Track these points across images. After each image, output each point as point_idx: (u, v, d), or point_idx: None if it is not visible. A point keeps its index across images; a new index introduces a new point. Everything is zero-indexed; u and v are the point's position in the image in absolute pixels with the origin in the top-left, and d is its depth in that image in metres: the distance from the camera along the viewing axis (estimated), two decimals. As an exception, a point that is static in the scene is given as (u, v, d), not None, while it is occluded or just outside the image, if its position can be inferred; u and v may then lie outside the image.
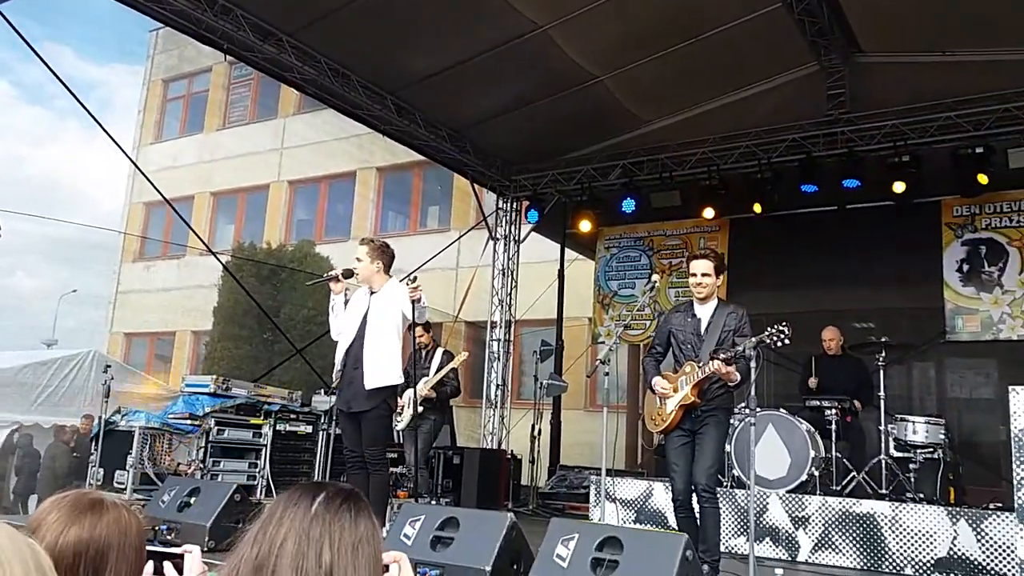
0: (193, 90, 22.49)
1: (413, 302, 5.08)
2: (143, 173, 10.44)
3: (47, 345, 17.47)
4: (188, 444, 7.43)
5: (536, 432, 9.77)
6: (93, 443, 7.29)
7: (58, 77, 7.42)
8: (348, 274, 5.41)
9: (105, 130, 8.05)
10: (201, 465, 7.24)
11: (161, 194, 9.73)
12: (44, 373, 9.68)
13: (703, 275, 4.86)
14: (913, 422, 6.85)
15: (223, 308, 16.76)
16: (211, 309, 17.20)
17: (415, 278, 5.21)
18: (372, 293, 5.41)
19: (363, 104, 8.99)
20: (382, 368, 5.21)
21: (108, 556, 1.49)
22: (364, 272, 5.39)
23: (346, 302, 5.46)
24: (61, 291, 24.70)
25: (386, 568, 1.56)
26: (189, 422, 7.47)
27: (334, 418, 7.73)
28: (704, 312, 4.91)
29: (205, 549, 4.78)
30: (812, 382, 7.66)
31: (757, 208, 9.12)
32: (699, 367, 4.69)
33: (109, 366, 7.43)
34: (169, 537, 4.91)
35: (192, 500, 5.21)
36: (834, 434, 6.90)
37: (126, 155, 9.64)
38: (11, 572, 0.74)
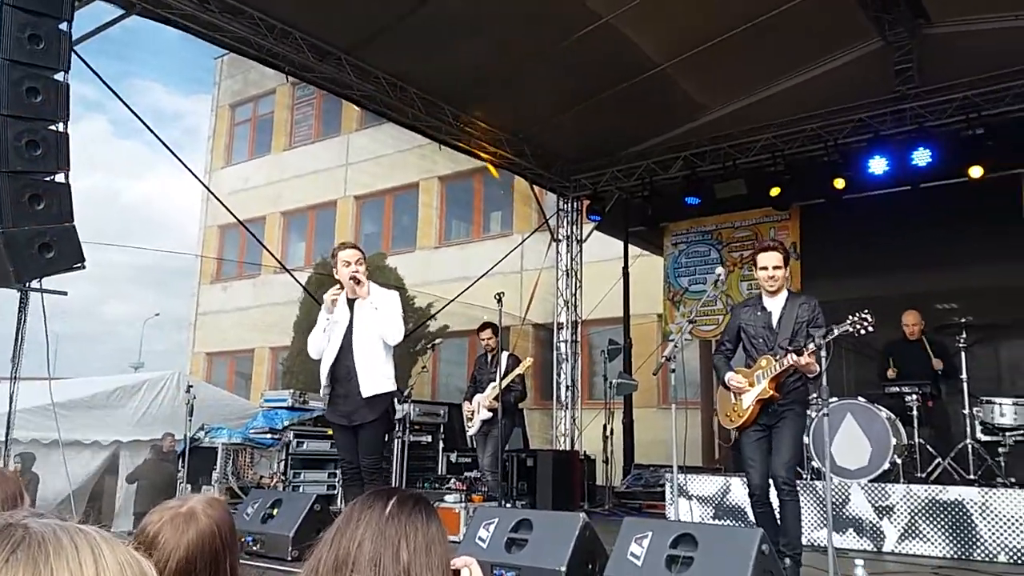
0: (259, 113, 23.13)
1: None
2: (214, 195, 10.79)
3: (134, 368, 18.21)
4: (269, 457, 7.66)
5: (608, 432, 9.73)
6: (180, 460, 7.57)
7: (129, 107, 7.69)
8: (359, 281, 5.09)
9: (174, 154, 8.31)
10: (282, 477, 7.45)
11: (234, 215, 10.04)
12: (135, 395, 10.11)
13: (774, 268, 4.72)
14: (1000, 404, 6.56)
15: (302, 323, 17.13)
16: (288, 325, 17.62)
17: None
18: (352, 300, 5.16)
19: (422, 116, 9.13)
20: (378, 375, 5.06)
21: (218, 552, 1.79)
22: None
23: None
24: (148, 316, 25.72)
25: (456, 572, 1.59)
26: (269, 436, 7.71)
27: (408, 426, 7.86)
28: (774, 305, 4.79)
29: (288, 559, 4.91)
30: (891, 373, 7.42)
31: (839, 183, 8.84)
32: (776, 361, 4.58)
33: (191, 386, 7.70)
34: (254, 548, 5.04)
35: (275, 511, 5.33)
36: (916, 420, 6.68)
37: (197, 179, 9.98)
38: None
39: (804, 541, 4.92)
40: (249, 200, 19.84)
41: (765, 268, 4.75)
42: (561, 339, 11.08)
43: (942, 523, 5.84)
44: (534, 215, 13.77)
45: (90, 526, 0.79)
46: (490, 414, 7.16)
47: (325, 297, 5.17)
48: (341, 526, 1.49)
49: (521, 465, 8.60)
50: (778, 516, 4.68)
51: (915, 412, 6.71)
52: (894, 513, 6.05)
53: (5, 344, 5.99)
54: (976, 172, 8.08)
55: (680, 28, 8.16)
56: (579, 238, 11.33)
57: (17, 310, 5.63)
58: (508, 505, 6.93)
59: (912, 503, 5.99)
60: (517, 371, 7.14)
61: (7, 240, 5.06)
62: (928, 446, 6.76)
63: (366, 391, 5.02)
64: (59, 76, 5.53)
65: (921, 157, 8.23)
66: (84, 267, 5.56)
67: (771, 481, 4.67)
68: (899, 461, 6.42)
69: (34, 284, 5.66)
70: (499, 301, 6.75)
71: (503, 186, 16.92)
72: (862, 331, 4.37)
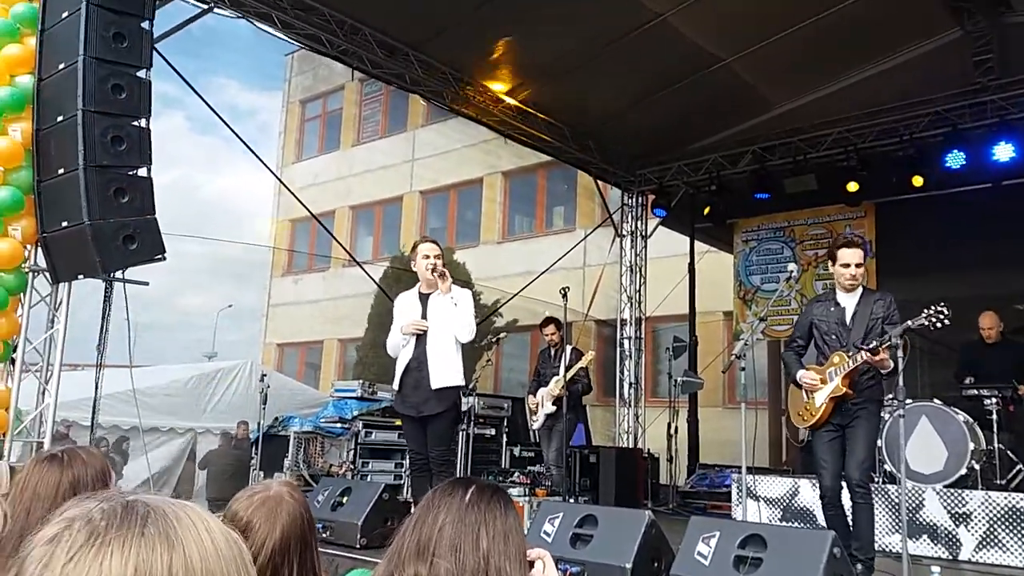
0: (328, 109, 23.56)
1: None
2: (289, 190, 11.04)
3: (208, 357, 18.78)
4: (339, 446, 7.82)
5: (672, 430, 9.64)
6: (253, 448, 7.79)
7: (209, 105, 8.05)
8: (443, 275, 5.21)
9: (252, 150, 8.57)
10: (352, 466, 7.60)
11: (308, 209, 10.24)
12: (211, 384, 10.46)
13: (857, 266, 4.62)
14: (1088, 410, 6.29)
15: (374, 317, 17.37)
16: (359, 317, 17.88)
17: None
18: (426, 295, 5.32)
19: (487, 111, 9.19)
20: (449, 368, 5.17)
21: (306, 533, 1.87)
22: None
23: None
24: (221, 307, 26.45)
25: (531, 564, 1.62)
26: (339, 425, 7.87)
27: (473, 418, 7.92)
28: (849, 301, 4.69)
29: (357, 546, 4.99)
30: (969, 381, 7.15)
31: (917, 181, 8.58)
32: (849, 357, 4.49)
33: (265, 375, 7.91)
34: (324, 535, 5.15)
35: (344, 500, 5.39)
36: (995, 424, 6.43)
37: (273, 174, 10.27)
38: None
39: (876, 547, 4.80)
40: (319, 195, 20.21)
41: (848, 265, 4.63)
42: (625, 335, 11.01)
43: (1023, 532, 5.63)
44: (597, 210, 13.71)
45: (185, 500, 0.83)
46: (554, 408, 7.18)
47: (406, 326, 5.29)
48: (422, 513, 1.53)
49: (584, 461, 8.58)
50: (850, 520, 4.58)
51: (995, 416, 6.46)
52: (972, 520, 5.85)
53: (85, 332, 6.26)
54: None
55: (742, 24, 8.00)
56: (644, 233, 11.25)
57: (103, 300, 5.87)
58: (571, 500, 6.93)
59: (991, 510, 5.79)
60: (579, 364, 7.16)
61: (94, 232, 5.27)
62: (1009, 452, 6.50)
63: (436, 383, 5.15)
64: (141, 73, 5.72)
65: (1003, 152, 7.95)
66: (165, 258, 5.76)
67: (844, 483, 4.57)
68: (977, 467, 6.20)
69: (117, 275, 5.90)
70: (564, 296, 6.75)
71: (567, 181, 16.89)
72: (937, 324, 4.24)
